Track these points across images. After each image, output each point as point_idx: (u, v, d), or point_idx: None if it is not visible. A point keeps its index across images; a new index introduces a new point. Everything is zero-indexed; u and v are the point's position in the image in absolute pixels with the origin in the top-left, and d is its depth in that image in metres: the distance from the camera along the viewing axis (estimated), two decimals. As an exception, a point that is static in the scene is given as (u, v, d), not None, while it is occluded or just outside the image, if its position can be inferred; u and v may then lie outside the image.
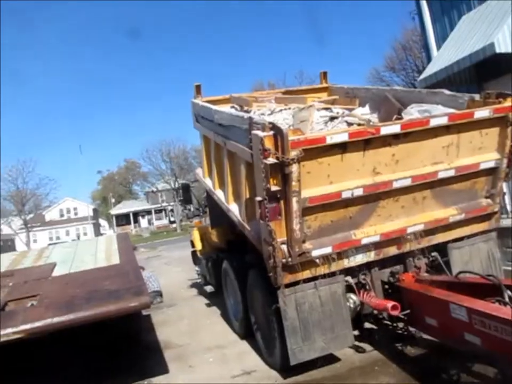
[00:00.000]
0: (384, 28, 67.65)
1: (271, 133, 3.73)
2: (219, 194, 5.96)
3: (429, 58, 9.47)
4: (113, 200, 64.17)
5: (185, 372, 5.32)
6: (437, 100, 4.85)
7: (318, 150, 3.71)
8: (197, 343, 6.37)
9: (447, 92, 4.90)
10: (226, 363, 5.40)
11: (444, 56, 8.01)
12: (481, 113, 4.15)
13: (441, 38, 8.91)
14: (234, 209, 5.28)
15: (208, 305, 8.63)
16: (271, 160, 3.64)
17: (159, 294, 9.50)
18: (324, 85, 7.34)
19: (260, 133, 3.77)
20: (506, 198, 7.29)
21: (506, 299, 3.45)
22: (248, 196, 4.64)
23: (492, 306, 3.31)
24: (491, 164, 4.39)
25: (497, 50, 6.64)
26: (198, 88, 6.82)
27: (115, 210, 62.23)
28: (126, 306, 3.94)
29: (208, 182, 6.62)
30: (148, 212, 62.39)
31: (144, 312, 7.35)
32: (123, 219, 61.61)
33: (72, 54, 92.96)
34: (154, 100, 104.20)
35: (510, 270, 6.28)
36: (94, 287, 4.47)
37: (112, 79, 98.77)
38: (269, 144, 3.67)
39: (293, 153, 3.58)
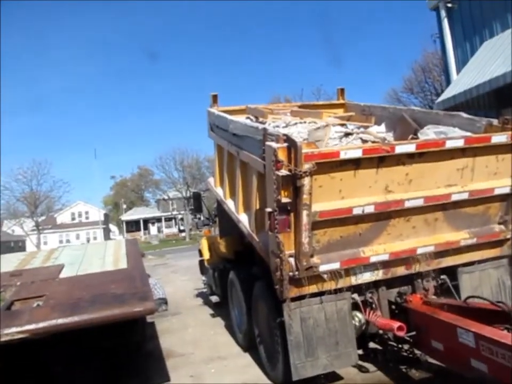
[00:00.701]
0: (404, 49, 67.93)
1: (285, 144, 3.75)
2: (229, 204, 5.98)
3: (448, 82, 9.48)
4: (124, 206, 64.59)
5: (186, 382, 5.29)
6: (454, 123, 4.82)
7: (331, 165, 3.71)
8: (200, 353, 6.34)
9: (464, 115, 4.88)
10: (228, 375, 5.36)
11: (464, 80, 8.01)
12: (499, 138, 4.13)
13: (462, 62, 8.93)
14: (243, 220, 5.29)
15: (213, 315, 8.60)
16: (283, 172, 3.65)
17: (164, 301, 9.50)
18: (341, 101, 7.37)
19: (274, 144, 3.79)
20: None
21: (515, 327, 3.39)
22: (258, 207, 4.65)
23: (501, 333, 3.25)
24: (506, 190, 4.34)
25: (518, 77, 6.62)
26: (214, 97, 6.90)
27: (126, 216, 62.61)
28: (131, 311, 3.93)
29: (219, 191, 6.64)
30: (158, 220, 62.63)
31: (149, 319, 7.34)
32: (133, 225, 61.91)
33: (90, 57, 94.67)
34: (171, 108, 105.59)
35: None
36: (100, 290, 4.48)
37: (132, 85, 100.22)
38: (282, 155, 3.68)
39: (306, 166, 3.58)
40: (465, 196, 4.20)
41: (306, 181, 3.62)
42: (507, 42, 7.50)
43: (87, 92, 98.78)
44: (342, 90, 7.44)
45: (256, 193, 4.67)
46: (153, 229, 62.45)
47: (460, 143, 4.03)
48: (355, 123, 5.80)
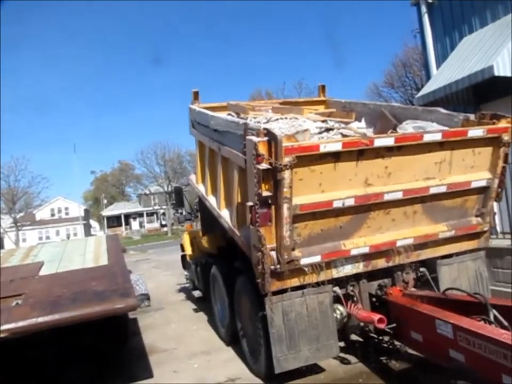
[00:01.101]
0: (385, 44, 68.28)
1: (265, 138, 3.75)
2: (211, 200, 5.97)
3: (428, 77, 9.55)
4: (105, 202, 63.73)
5: (169, 378, 5.28)
6: (432, 118, 4.90)
7: (311, 158, 3.73)
8: (183, 348, 6.34)
9: (442, 110, 4.96)
10: (211, 369, 5.37)
11: (443, 75, 8.09)
12: (475, 132, 4.20)
13: (442, 57, 9.00)
14: (225, 215, 5.28)
15: (196, 310, 8.60)
16: (264, 165, 3.66)
17: (146, 297, 9.47)
18: (322, 98, 7.45)
19: (254, 138, 3.79)
20: (497, 218, 7.33)
21: (492, 318, 3.48)
22: (239, 202, 4.64)
23: (478, 324, 3.32)
24: (482, 183, 4.43)
25: (496, 73, 6.70)
26: (195, 94, 6.89)
27: (106, 212, 61.88)
28: (112, 308, 3.91)
29: (201, 188, 6.64)
30: (140, 215, 62.10)
31: (131, 316, 7.29)
32: (114, 221, 61.26)
33: (68, 53, 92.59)
34: (152, 102, 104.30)
35: (497, 289, 6.33)
36: (80, 287, 4.44)
37: (111, 79, 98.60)
38: (262, 149, 3.69)
39: (286, 160, 3.59)
40: (443, 189, 4.27)
41: (286, 174, 3.63)
42: (486, 38, 7.61)
43: (67, 87, 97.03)
44: (323, 87, 7.51)
45: (238, 188, 4.67)
46: (134, 224, 61.92)
47: (437, 137, 4.09)
48: (336, 119, 5.83)
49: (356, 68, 70.55)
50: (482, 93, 7.88)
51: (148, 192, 57.13)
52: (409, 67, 30.06)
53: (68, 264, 5.56)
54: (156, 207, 57.96)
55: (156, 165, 52.50)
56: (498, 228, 7.47)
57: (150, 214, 61.09)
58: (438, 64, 9.07)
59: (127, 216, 61.81)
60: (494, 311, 3.51)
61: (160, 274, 15.17)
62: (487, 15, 8.02)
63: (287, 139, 3.67)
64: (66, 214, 60.80)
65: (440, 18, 9.13)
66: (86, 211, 64.61)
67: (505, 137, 4.27)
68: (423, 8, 9.34)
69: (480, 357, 3.05)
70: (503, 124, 4.28)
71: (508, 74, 6.77)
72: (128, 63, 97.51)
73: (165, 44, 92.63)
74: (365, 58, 70.24)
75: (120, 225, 60.81)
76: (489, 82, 7.06)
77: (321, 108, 7.08)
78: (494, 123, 4.30)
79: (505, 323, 3.39)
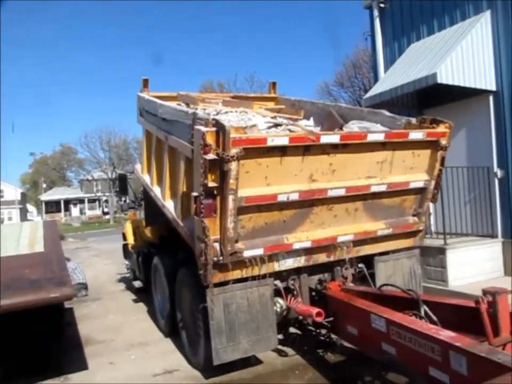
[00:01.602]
0: (339, 44, 69.56)
1: (214, 129, 3.71)
2: (156, 191, 5.86)
3: (376, 79, 9.84)
4: (44, 186, 61.06)
5: (105, 369, 5.14)
6: (376, 119, 5.07)
7: (258, 151, 3.73)
8: (120, 339, 6.20)
9: (387, 113, 5.15)
10: (149, 361, 5.29)
11: (390, 79, 8.37)
12: (416, 134, 4.38)
13: (390, 61, 9.30)
14: (169, 206, 5.20)
15: (135, 301, 8.44)
16: (211, 156, 3.62)
17: (84, 286, 9.14)
18: (273, 95, 7.55)
19: (203, 128, 3.75)
20: (432, 219, 7.73)
21: (422, 313, 3.64)
22: (185, 193, 4.58)
23: (409, 319, 3.46)
24: (420, 184, 4.63)
25: (439, 81, 7.03)
26: (145, 82, 6.72)
27: (45, 196, 59.29)
28: (47, 297, 3.77)
29: (146, 178, 6.49)
30: (81, 201, 60.06)
31: (67, 305, 7.02)
32: (53, 206, 58.85)
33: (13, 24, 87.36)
34: (99, 85, 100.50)
35: (429, 286, 6.68)
36: (13, 274, 4.24)
37: (56, 55, 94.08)
38: (210, 139, 3.65)
39: (234, 151, 3.57)
40: (383, 188, 4.42)
41: (233, 165, 3.61)
42: (431, 46, 7.96)
43: (5, 62, 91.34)
44: (274, 84, 7.64)
45: (184, 179, 4.60)
46: (75, 211, 59.77)
47: (380, 137, 4.22)
48: (285, 115, 5.89)
49: (308, 65, 71.67)
50: (425, 99, 8.26)
51: (90, 178, 55.29)
52: (359, 68, 30.84)
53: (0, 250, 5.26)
54: (99, 194, 56.17)
55: (100, 150, 50.99)
56: (433, 228, 7.88)
57: (91, 201, 59.17)
58: (386, 68, 9.38)
59: (67, 202, 59.53)
60: (425, 307, 3.67)
61: (100, 263, 14.74)
62: (434, 24, 8.40)
63: (235, 130, 3.65)
64: (1, 197, 57.53)
65: (391, 24, 9.44)
66: (23, 195, 61.45)
67: (443, 141, 4.49)
68: (375, 12, 9.60)
69: (410, 350, 3.18)
70: (441, 128, 4.49)
71: (450, 82, 7.14)
72: (77, 40, 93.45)
73: (116, 28, 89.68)
74: (318, 56, 71.52)
75: (59, 211, 58.52)
76: (433, 89, 7.40)
77: (271, 105, 7.13)
78: (433, 127, 4.51)
79: (435, 318, 3.56)
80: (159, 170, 5.80)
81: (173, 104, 5.69)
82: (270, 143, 3.72)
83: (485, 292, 3.10)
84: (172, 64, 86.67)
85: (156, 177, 5.96)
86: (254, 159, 3.74)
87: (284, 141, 3.79)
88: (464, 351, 2.71)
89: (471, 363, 2.67)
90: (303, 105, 6.35)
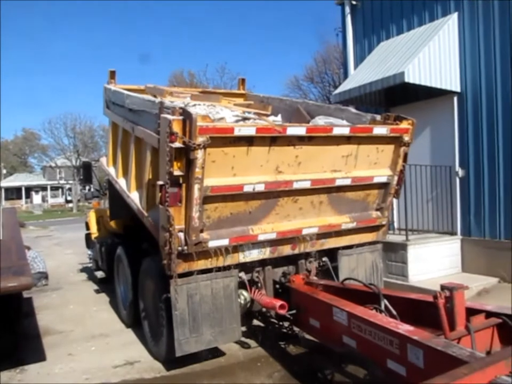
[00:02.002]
0: (311, 39, 69.84)
1: (180, 117, 3.66)
2: (121, 183, 5.74)
3: (345, 75, 9.94)
4: (4, 171, 58.74)
5: (64, 361, 5.02)
6: (343, 116, 5.15)
7: (225, 140, 3.70)
8: (80, 330, 6.07)
9: (353, 110, 5.24)
10: (109, 352, 5.20)
11: (359, 76, 8.47)
12: (380, 130, 4.46)
13: (360, 59, 9.41)
14: (135, 197, 5.11)
15: (97, 291, 8.28)
16: (177, 144, 3.57)
17: (44, 276, 8.92)
18: (241, 91, 7.59)
19: (169, 116, 3.69)
20: (395, 216, 7.92)
21: (383, 307, 3.71)
22: (150, 183, 4.50)
23: (369, 313, 3.52)
24: (383, 179, 4.72)
25: (406, 80, 7.16)
26: (112, 73, 6.60)
27: (5, 183, 57.05)
28: (4, 286, 3.62)
29: (111, 171, 6.36)
30: (43, 188, 58.18)
31: (26, 295, 6.80)
32: (13, 193, 56.81)
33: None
34: (67, 68, 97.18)
35: (390, 281, 6.85)
36: None
37: (20, 38, 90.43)
38: (177, 128, 3.59)
39: (200, 139, 3.53)
40: (348, 182, 4.48)
41: (199, 154, 3.57)
42: (400, 46, 8.09)
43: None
44: (243, 80, 7.69)
45: (149, 169, 4.53)
46: (36, 198, 57.86)
47: (345, 131, 4.28)
48: (253, 110, 5.88)
49: (280, 59, 71.60)
50: (393, 97, 8.42)
51: (53, 164, 53.47)
52: (329, 64, 30.94)
53: (-46, 237, 5.05)
54: (62, 181, 54.54)
55: (65, 137, 49.31)
56: (396, 225, 8.08)
57: (54, 188, 57.43)
58: (356, 65, 9.48)
59: (29, 189, 57.56)
60: (385, 301, 3.74)
61: (61, 253, 14.35)
62: (404, 24, 8.54)
63: (202, 119, 3.60)
64: (-43, 182, 55.23)
65: (362, 21, 9.53)
66: (-19, 181, 59.18)
67: (406, 138, 4.59)
68: (347, 9, 9.68)
69: (370, 342, 3.25)
70: (404, 125, 4.59)
71: (417, 82, 7.29)
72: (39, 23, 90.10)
73: (94, 17, 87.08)
74: (289, 50, 71.56)
75: (20, 198, 56.56)
76: (400, 88, 7.55)
77: (240, 101, 7.13)
78: (397, 124, 4.60)
79: (394, 312, 3.63)
80: (125, 162, 5.69)
81: (140, 94, 5.59)
82: (237, 132, 3.70)
83: (442, 287, 3.17)
84: (142, 56, 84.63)
85: (121, 169, 5.85)
86: (221, 148, 3.71)
87: (251, 131, 3.77)
88: (421, 344, 2.78)
89: (427, 356, 2.73)
90: (272, 101, 6.39)
